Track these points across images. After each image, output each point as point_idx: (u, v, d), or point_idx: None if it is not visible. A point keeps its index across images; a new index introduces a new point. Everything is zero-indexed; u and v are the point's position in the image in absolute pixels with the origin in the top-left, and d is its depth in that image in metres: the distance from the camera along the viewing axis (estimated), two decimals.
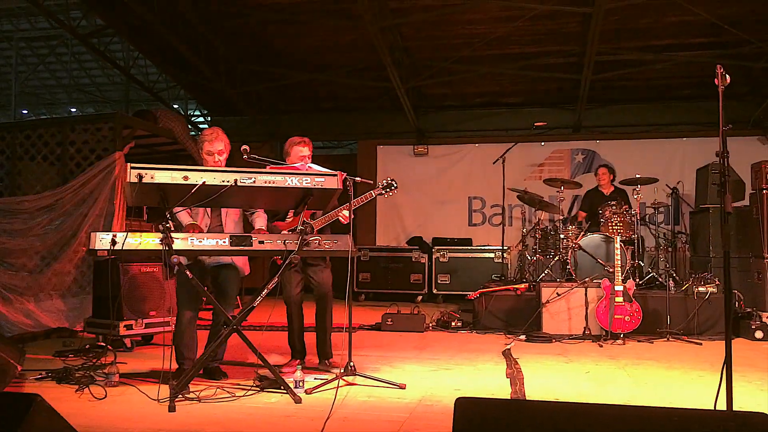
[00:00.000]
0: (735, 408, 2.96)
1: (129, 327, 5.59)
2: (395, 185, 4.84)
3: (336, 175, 4.03)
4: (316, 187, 3.94)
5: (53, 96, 18.69)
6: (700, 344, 6.10)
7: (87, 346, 5.50)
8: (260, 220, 4.59)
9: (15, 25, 15.95)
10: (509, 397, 4.01)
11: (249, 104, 11.37)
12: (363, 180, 4.63)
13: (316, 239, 4.02)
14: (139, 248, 3.79)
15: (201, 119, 15.84)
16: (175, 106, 14.91)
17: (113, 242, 3.71)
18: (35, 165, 7.39)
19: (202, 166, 4.39)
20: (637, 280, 7.04)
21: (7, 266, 6.46)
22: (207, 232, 4.34)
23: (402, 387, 4.18)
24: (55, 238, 6.65)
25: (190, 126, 12.75)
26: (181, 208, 4.19)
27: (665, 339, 6.30)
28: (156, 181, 3.69)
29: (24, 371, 4.39)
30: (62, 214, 6.73)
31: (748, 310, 6.65)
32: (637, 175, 7.63)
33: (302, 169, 4.64)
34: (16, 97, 16.35)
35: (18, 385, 4.21)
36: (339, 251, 4.09)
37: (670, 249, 8.04)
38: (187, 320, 4.42)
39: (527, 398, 3.99)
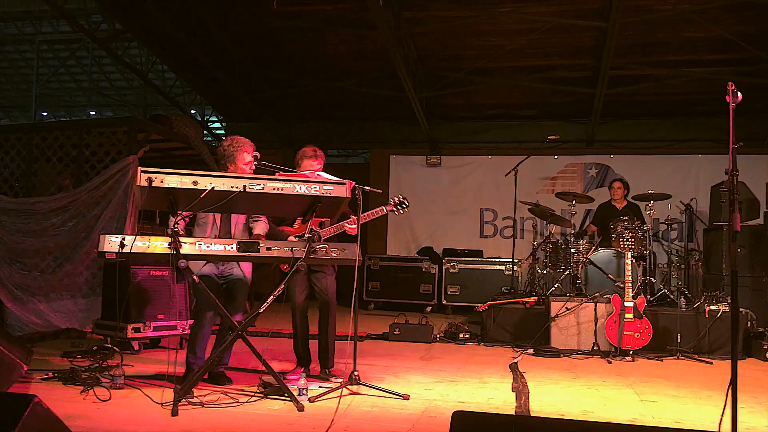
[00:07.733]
0: (740, 429, 2.92)
1: (137, 330, 5.62)
2: (407, 204, 4.81)
3: (345, 183, 4.02)
4: (325, 195, 3.94)
5: (73, 98, 18.90)
6: (711, 363, 6.02)
7: (95, 348, 5.53)
8: (260, 226, 4.59)
9: (37, 28, 16.18)
10: (514, 412, 3.98)
11: (263, 111, 11.42)
12: (372, 189, 4.61)
13: (323, 247, 4.00)
14: (147, 251, 3.80)
15: (217, 125, 15.98)
16: (192, 112, 15.05)
17: (122, 245, 3.73)
18: (50, 167, 7.46)
19: (220, 172, 4.40)
20: (648, 296, 6.95)
21: (19, 266, 6.53)
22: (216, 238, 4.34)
23: (406, 398, 4.17)
24: (68, 239, 6.70)
25: (205, 132, 12.86)
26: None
27: (675, 357, 6.23)
28: (165, 185, 3.71)
29: (31, 371, 4.42)
30: (76, 216, 6.79)
31: (761, 329, 6.56)
32: (650, 191, 7.57)
33: (311, 177, 4.64)
34: (36, 98, 16.55)
35: (24, 384, 4.24)
36: (346, 260, 4.07)
37: (683, 266, 7.95)
38: (205, 323, 4.43)
39: (532, 413, 3.96)
